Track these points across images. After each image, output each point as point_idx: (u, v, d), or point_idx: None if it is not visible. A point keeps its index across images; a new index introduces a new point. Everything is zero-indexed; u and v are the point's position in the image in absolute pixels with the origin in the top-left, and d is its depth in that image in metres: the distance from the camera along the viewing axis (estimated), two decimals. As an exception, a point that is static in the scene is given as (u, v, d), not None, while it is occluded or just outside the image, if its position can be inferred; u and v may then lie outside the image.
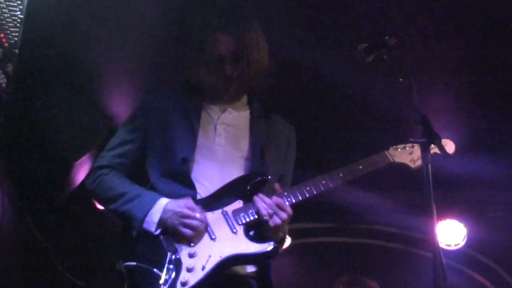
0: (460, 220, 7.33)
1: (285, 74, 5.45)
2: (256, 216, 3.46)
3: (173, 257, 3.33)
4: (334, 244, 7.80)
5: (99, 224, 6.61)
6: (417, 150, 3.91)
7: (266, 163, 3.70)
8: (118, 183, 3.54)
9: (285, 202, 3.52)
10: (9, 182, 5.38)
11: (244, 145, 3.75)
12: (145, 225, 3.39)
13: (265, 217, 3.43)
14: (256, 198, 3.47)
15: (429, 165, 3.19)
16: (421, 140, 3.25)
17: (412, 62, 3.48)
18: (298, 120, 5.11)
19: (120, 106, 5.98)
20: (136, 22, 5.05)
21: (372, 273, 7.09)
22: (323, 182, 3.72)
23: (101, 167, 3.61)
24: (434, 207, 3.11)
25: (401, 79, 3.37)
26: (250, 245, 3.43)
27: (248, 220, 3.48)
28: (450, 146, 3.99)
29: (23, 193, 5.64)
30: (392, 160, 3.91)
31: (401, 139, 3.93)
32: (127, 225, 3.44)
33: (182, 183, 3.54)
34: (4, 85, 3.60)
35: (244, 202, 3.53)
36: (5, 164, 5.22)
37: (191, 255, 3.36)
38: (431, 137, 3.25)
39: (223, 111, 3.78)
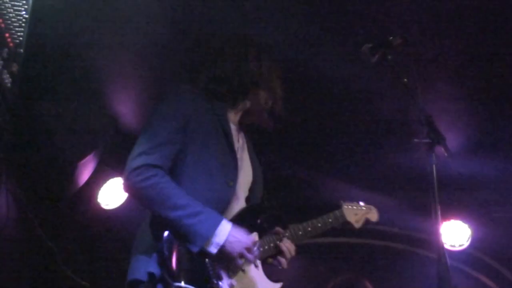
0: (464, 220, 7.31)
1: (288, 74, 5.47)
2: (273, 254, 3.74)
3: (216, 284, 3.41)
4: (337, 245, 7.78)
5: (104, 224, 6.62)
6: (360, 211, 4.34)
7: (265, 190, 3.97)
8: (178, 192, 3.46)
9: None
10: (14, 182, 5.38)
11: (249, 171, 3.91)
12: (209, 245, 3.40)
13: (285, 262, 3.75)
14: (284, 247, 3.75)
15: (434, 166, 3.19)
16: (425, 140, 3.25)
17: (416, 62, 3.48)
18: (301, 120, 5.14)
19: (125, 106, 5.99)
20: (141, 22, 5.06)
21: (376, 274, 7.10)
22: (309, 229, 3.99)
23: (155, 166, 3.46)
24: (438, 207, 3.11)
25: (405, 79, 3.37)
26: (268, 283, 3.71)
27: (266, 255, 3.72)
28: (375, 215, 4.44)
29: (28, 193, 5.64)
30: (346, 219, 4.26)
31: (405, 140, 3.93)
32: (186, 239, 3.40)
33: (217, 205, 3.58)
34: (9, 84, 3.60)
35: (259, 235, 3.73)
36: (9, 164, 5.23)
37: (231, 286, 3.47)
38: (435, 137, 3.25)
39: (238, 132, 3.91)
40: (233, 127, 3.86)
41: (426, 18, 5.13)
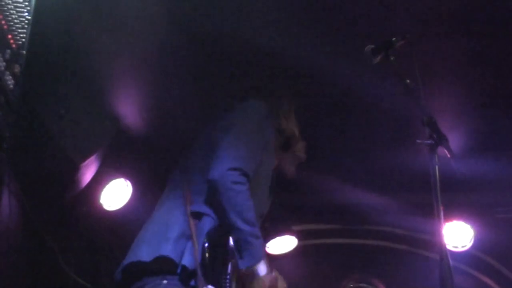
0: (467, 221, 7.31)
1: (289, 75, 5.47)
2: None
3: None
4: (339, 246, 7.78)
5: (106, 225, 6.62)
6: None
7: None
8: (253, 209, 3.62)
9: None
10: (16, 184, 5.38)
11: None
12: (257, 267, 3.53)
13: None
14: None
15: (436, 167, 3.19)
16: (428, 141, 3.25)
17: (418, 63, 3.48)
18: (302, 121, 5.14)
19: (127, 107, 5.99)
20: (143, 23, 5.06)
21: (378, 275, 7.10)
22: None
23: (247, 175, 3.64)
24: (441, 208, 3.11)
25: (408, 80, 3.37)
26: None
27: None
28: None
29: (30, 194, 5.64)
30: None
31: (408, 141, 3.93)
32: (240, 253, 3.52)
33: (260, 217, 3.86)
34: (11, 86, 3.60)
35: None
36: (12, 165, 5.23)
37: None
38: (438, 138, 3.25)
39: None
40: None
41: (429, 19, 5.13)
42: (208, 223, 3.56)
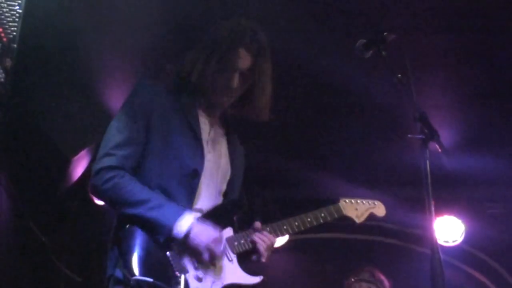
0: (458, 216, 7.34)
1: (283, 70, 5.46)
2: (250, 248, 3.66)
3: (181, 277, 3.35)
4: (330, 240, 7.80)
5: (97, 219, 6.61)
6: (361, 206, 4.31)
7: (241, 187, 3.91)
8: (138, 189, 3.47)
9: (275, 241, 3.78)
10: (7, 177, 5.38)
11: (225, 166, 3.83)
12: (174, 233, 3.39)
13: (262, 255, 3.66)
14: (257, 238, 3.68)
15: (427, 162, 3.19)
16: (419, 136, 3.25)
17: (410, 58, 3.48)
18: (296, 117, 5.15)
19: (118, 101, 5.97)
20: (136, 18, 5.05)
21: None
22: (296, 224, 3.90)
23: (113, 167, 3.49)
24: (432, 203, 3.12)
25: (399, 75, 3.37)
26: (245, 276, 3.65)
27: (241, 250, 3.65)
28: (381, 209, 4.39)
29: (21, 188, 5.63)
30: (343, 213, 4.20)
31: (399, 136, 3.93)
32: (152, 232, 3.40)
33: (188, 196, 3.58)
34: (2, 80, 3.59)
35: (234, 231, 3.70)
36: (2, 159, 5.22)
37: (198, 279, 3.43)
38: (429, 133, 3.25)
39: (211, 125, 3.80)
40: (204, 121, 3.77)
41: (421, 13, 5.14)
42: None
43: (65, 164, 5.85)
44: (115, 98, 5.87)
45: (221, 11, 4.98)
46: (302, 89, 5.93)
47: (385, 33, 3.52)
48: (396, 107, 5.40)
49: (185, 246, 3.41)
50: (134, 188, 3.47)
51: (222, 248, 3.51)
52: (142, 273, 3.29)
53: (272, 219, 3.82)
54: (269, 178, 7.08)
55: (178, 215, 3.42)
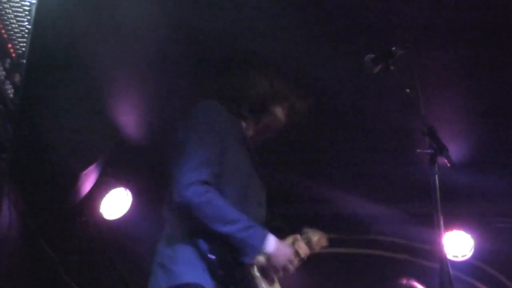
0: (467, 231, 7.29)
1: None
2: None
3: None
4: (339, 255, 7.77)
5: (106, 234, 6.61)
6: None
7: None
8: (230, 208, 3.57)
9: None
10: (16, 193, 5.38)
11: (258, 189, 4.01)
12: (260, 255, 3.51)
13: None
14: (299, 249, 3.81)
15: (436, 176, 3.19)
16: (428, 151, 3.25)
17: (419, 72, 3.48)
18: (302, 131, 5.14)
19: (128, 116, 5.99)
20: (145, 31, 5.07)
21: (378, 285, 7.07)
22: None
23: (203, 182, 3.54)
24: (441, 218, 3.11)
25: (408, 90, 3.37)
26: None
27: None
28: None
29: (30, 204, 5.63)
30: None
31: (408, 150, 3.93)
32: (240, 251, 3.51)
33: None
34: (11, 95, 3.60)
35: None
36: (12, 174, 5.23)
37: None
38: (438, 148, 3.25)
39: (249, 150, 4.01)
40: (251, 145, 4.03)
41: (429, 28, 5.13)
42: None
43: (74, 179, 5.85)
44: (125, 113, 5.89)
45: (227, 17, 5.00)
46: (309, 105, 5.93)
47: (393, 48, 3.52)
48: (405, 122, 5.41)
49: (265, 265, 3.54)
50: (225, 206, 3.55)
51: (295, 266, 3.69)
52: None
53: (277, 235, 3.86)
54: (277, 195, 7.07)
55: (264, 236, 3.57)
